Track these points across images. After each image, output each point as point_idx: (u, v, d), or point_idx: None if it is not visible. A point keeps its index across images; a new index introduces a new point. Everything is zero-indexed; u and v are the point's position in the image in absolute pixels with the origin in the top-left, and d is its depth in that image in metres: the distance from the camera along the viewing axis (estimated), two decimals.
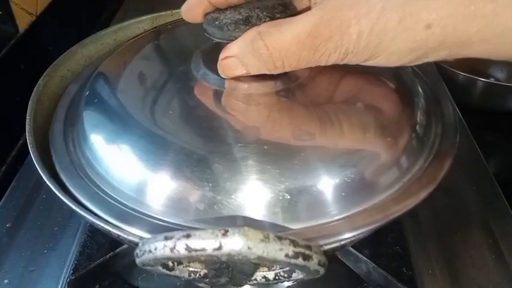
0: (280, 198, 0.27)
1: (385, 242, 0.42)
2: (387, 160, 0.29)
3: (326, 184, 0.28)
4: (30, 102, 0.35)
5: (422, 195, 0.29)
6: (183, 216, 0.27)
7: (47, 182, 0.30)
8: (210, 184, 0.27)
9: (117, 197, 0.29)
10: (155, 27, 0.45)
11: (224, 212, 0.27)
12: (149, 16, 0.45)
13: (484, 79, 0.72)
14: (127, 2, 0.82)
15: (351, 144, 0.29)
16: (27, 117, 0.34)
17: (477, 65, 0.86)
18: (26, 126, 0.33)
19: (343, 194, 0.28)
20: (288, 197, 0.27)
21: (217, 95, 0.32)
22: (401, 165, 0.30)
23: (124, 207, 0.28)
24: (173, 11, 0.45)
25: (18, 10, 0.55)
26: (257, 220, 0.27)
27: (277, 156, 0.28)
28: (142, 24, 0.45)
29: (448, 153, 0.32)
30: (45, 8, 0.62)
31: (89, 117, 0.33)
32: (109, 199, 0.29)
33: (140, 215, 0.28)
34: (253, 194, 0.27)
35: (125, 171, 0.29)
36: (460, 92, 0.67)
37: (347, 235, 0.27)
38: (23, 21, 0.56)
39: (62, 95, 0.38)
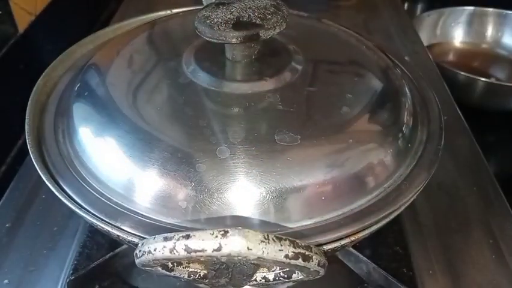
0: (263, 198, 0.27)
1: (385, 243, 0.42)
2: (368, 166, 0.30)
3: (308, 187, 0.28)
4: (29, 102, 0.35)
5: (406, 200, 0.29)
6: (166, 214, 0.28)
7: (47, 182, 0.30)
8: (193, 183, 0.27)
9: (102, 191, 0.29)
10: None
11: (207, 212, 0.27)
12: (148, 16, 0.45)
13: (484, 79, 0.72)
14: (126, 1, 0.82)
15: (334, 148, 0.30)
16: (26, 117, 0.34)
17: (477, 65, 0.86)
18: (26, 126, 0.33)
19: (322, 197, 0.28)
20: (270, 198, 0.27)
21: (206, 93, 0.32)
22: (381, 171, 0.30)
23: (108, 202, 0.29)
24: (173, 10, 0.45)
25: (18, 10, 0.55)
26: (241, 217, 0.27)
27: (262, 157, 0.28)
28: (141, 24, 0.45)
29: (431, 161, 0.32)
30: (45, 7, 0.62)
31: (78, 110, 0.33)
32: (94, 192, 0.29)
33: (123, 210, 0.28)
34: (237, 195, 0.27)
35: (110, 165, 0.30)
36: (460, 92, 0.67)
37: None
38: (22, 21, 0.56)
39: (55, 85, 0.38)
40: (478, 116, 0.61)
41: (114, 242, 0.38)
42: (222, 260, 0.22)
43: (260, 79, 0.32)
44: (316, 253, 0.23)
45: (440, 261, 0.42)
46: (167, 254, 0.22)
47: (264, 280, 0.29)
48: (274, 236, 0.22)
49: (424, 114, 0.36)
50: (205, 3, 0.38)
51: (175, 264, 0.27)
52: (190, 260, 0.26)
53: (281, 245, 0.22)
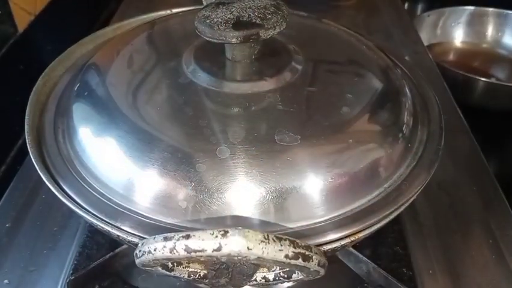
0: (263, 198, 0.27)
1: (385, 242, 0.42)
2: (368, 165, 0.30)
3: (308, 187, 0.28)
4: (29, 102, 0.35)
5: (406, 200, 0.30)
6: (166, 214, 0.28)
7: (47, 182, 0.30)
8: (193, 183, 0.27)
9: (102, 191, 0.29)
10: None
11: (207, 212, 0.27)
12: (148, 16, 0.45)
13: (484, 79, 0.72)
14: (126, 1, 0.82)
15: (334, 148, 0.30)
16: (26, 117, 0.34)
17: (478, 65, 0.86)
18: (25, 126, 0.33)
19: (323, 197, 0.28)
20: (270, 198, 0.27)
21: (206, 93, 0.32)
22: (381, 171, 0.30)
23: (108, 202, 0.29)
24: (173, 10, 0.45)
25: (18, 10, 0.55)
26: (241, 217, 0.27)
27: (262, 157, 0.28)
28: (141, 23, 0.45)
29: (431, 161, 0.32)
30: (45, 7, 0.62)
31: (78, 110, 0.33)
32: (94, 192, 0.29)
33: (123, 210, 0.28)
34: (237, 195, 0.27)
35: (110, 165, 0.30)
36: (460, 92, 0.67)
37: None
38: (22, 21, 0.56)
39: (55, 85, 0.38)
40: (478, 116, 0.61)
41: (114, 242, 0.38)
42: (222, 260, 0.22)
43: (260, 79, 0.32)
44: (316, 253, 0.23)
45: (440, 261, 0.42)
46: (167, 254, 0.22)
47: (264, 280, 0.29)
48: (274, 236, 0.22)
49: (424, 114, 0.36)
50: (205, 3, 0.38)
51: (175, 264, 0.27)
52: (190, 260, 0.26)
53: (281, 245, 0.22)
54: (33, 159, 0.31)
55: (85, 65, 0.37)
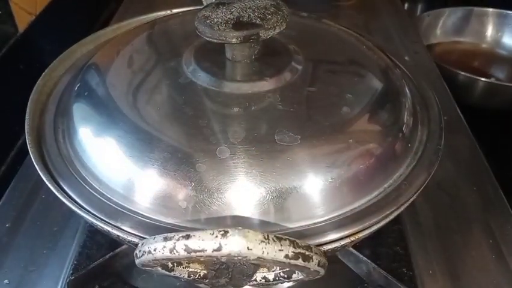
0: (263, 198, 0.27)
1: (385, 243, 0.42)
2: (368, 165, 0.30)
3: (308, 187, 0.28)
4: (29, 102, 0.35)
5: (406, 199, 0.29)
6: (166, 214, 0.28)
7: (47, 183, 0.30)
8: (193, 183, 0.27)
9: (102, 191, 0.29)
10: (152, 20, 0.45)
11: (207, 212, 0.27)
12: (148, 16, 0.45)
13: (484, 79, 0.72)
14: (126, 1, 0.82)
15: (334, 148, 0.30)
16: (26, 117, 0.34)
17: (478, 65, 0.86)
18: (26, 126, 0.33)
19: (323, 197, 0.28)
20: (270, 198, 0.27)
21: (206, 93, 0.32)
22: (381, 172, 0.30)
23: (108, 202, 0.29)
24: (173, 10, 0.45)
25: (18, 10, 0.55)
26: (241, 217, 0.27)
27: (262, 157, 0.28)
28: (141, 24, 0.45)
29: (431, 161, 0.32)
30: (45, 7, 0.62)
31: (78, 110, 0.33)
32: (94, 192, 0.29)
33: (123, 210, 0.28)
34: (237, 195, 0.27)
35: (110, 165, 0.30)
36: (460, 91, 0.67)
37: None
38: (22, 21, 0.56)
39: (55, 85, 0.38)
40: (478, 116, 0.61)
41: (114, 242, 0.38)
42: (222, 260, 0.22)
43: (260, 79, 0.32)
44: (316, 253, 0.23)
45: (440, 261, 0.42)
46: (167, 254, 0.22)
47: (264, 280, 0.29)
48: (274, 236, 0.22)
49: (424, 114, 0.36)
50: (205, 3, 0.38)
51: (175, 264, 0.27)
52: (190, 260, 0.26)
53: (281, 245, 0.22)
54: (33, 160, 0.31)
55: (85, 65, 0.37)
